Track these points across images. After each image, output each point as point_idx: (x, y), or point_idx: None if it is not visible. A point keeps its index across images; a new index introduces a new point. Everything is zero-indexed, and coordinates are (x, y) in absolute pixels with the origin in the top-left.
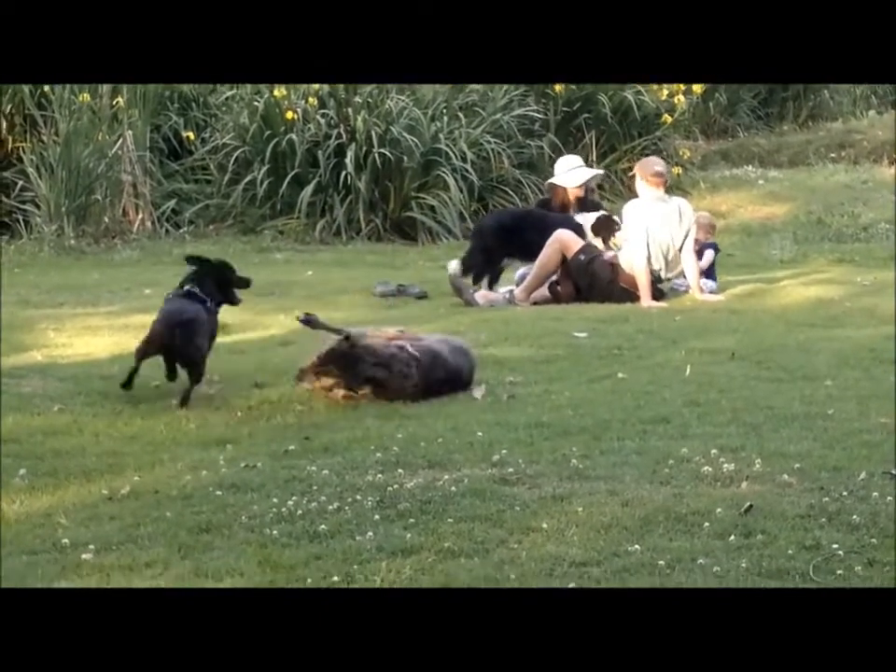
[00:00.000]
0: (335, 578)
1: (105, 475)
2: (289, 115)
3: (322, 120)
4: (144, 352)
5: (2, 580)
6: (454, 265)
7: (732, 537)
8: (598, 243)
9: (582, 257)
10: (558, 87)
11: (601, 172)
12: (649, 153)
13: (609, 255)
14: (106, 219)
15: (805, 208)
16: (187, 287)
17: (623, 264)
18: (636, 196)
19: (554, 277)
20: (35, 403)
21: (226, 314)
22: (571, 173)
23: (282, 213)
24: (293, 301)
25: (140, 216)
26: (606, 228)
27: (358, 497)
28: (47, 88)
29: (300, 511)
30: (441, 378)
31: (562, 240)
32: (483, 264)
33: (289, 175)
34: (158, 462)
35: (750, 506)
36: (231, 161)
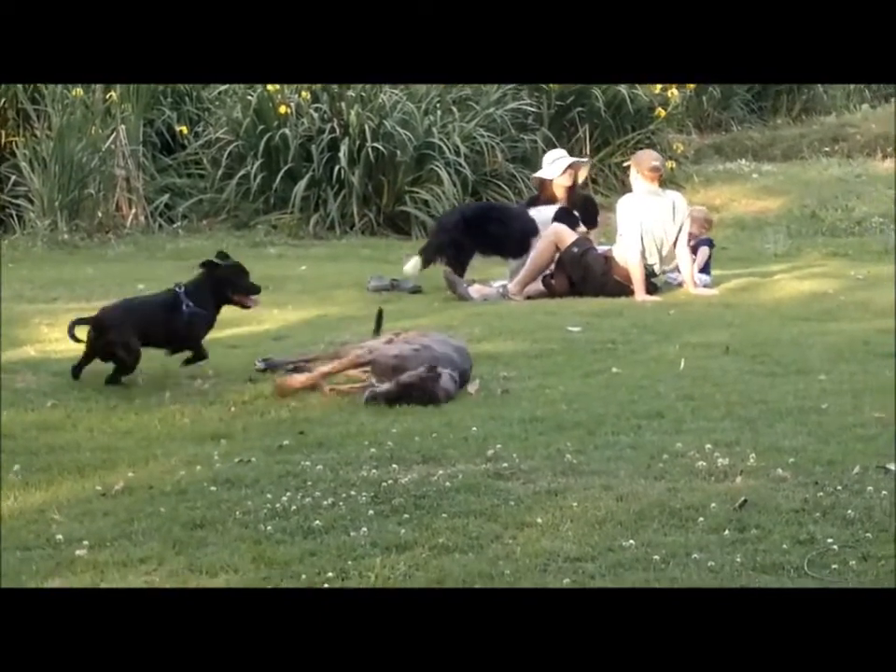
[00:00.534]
0: (329, 574)
1: (99, 470)
2: (283, 109)
3: (315, 115)
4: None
5: None
6: (413, 262)
7: (726, 531)
8: None
9: (576, 249)
10: None
11: (584, 160)
12: (642, 147)
13: (603, 248)
14: (100, 214)
15: (799, 202)
16: (175, 287)
17: (617, 258)
18: (629, 190)
19: (548, 271)
20: (29, 398)
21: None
22: (553, 164)
23: (275, 207)
24: (287, 295)
25: (133, 210)
26: (565, 221)
27: (353, 493)
28: None
29: (294, 507)
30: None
31: (556, 233)
32: (457, 257)
33: (283, 170)
34: (152, 457)
35: (745, 500)
36: (225, 156)
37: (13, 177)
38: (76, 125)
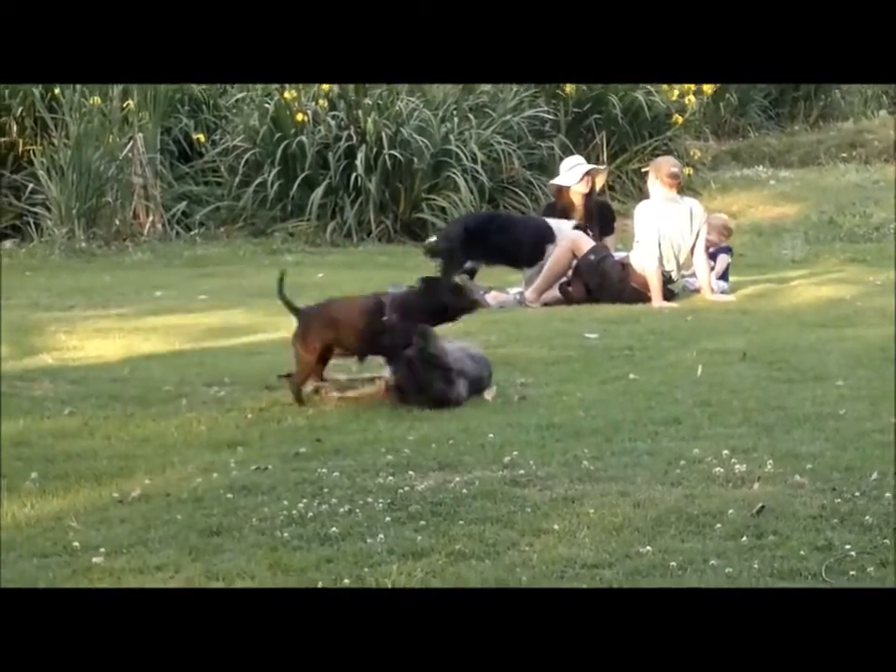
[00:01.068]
0: (346, 581)
1: (116, 478)
2: (300, 117)
3: (332, 122)
4: None
5: (12, 583)
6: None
7: (744, 538)
8: None
9: (593, 257)
10: (568, 87)
11: (601, 167)
12: (659, 153)
13: (620, 255)
14: (117, 222)
15: (817, 208)
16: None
17: (634, 265)
18: (646, 196)
19: (565, 278)
20: (46, 406)
21: (237, 316)
22: (570, 171)
23: (292, 215)
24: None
25: (151, 218)
26: None
27: (369, 500)
28: (57, 90)
29: (310, 514)
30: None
31: (573, 240)
32: (446, 267)
33: (300, 177)
34: (168, 465)
35: (762, 507)
36: (242, 164)
37: (31, 185)
38: (93, 133)
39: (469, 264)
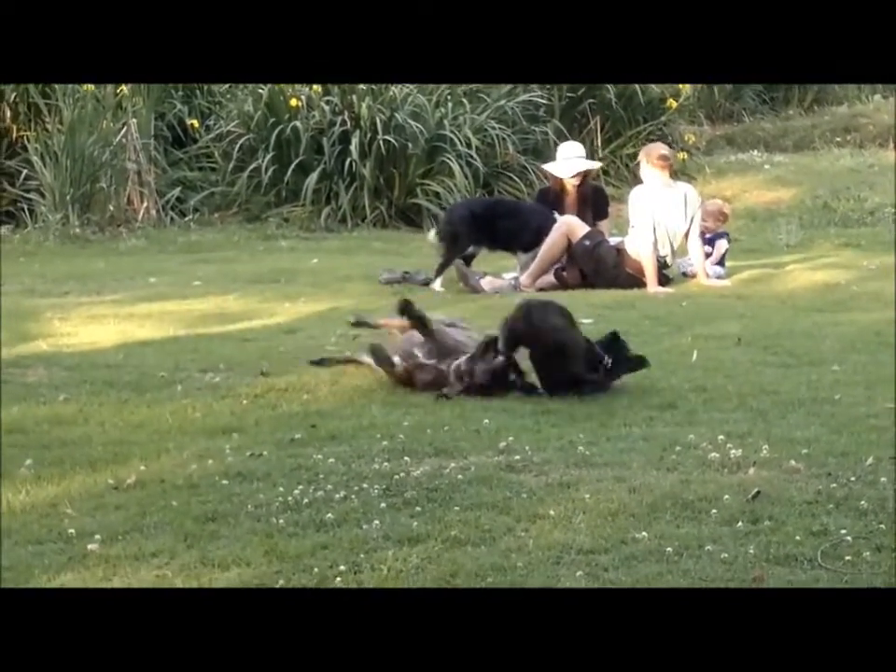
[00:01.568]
0: (342, 567)
1: (111, 464)
2: (293, 102)
3: (326, 107)
4: None
5: (8, 570)
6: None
7: (739, 523)
8: None
9: (588, 242)
10: None
11: (596, 165)
12: (654, 138)
13: (615, 240)
14: (111, 208)
15: (811, 193)
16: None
17: (629, 250)
18: (640, 182)
19: (560, 263)
20: (41, 393)
21: (232, 302)
22: (566, 162)
23: (287, 200)
24: (298, 288)
25: (145, 204)
26: None
27: (365, 486)
28: None
29: (306, 500)
30: None
31: (568, 225)
32: (448, 252)
33: (294, 163)
34: (163, 451)
35: (758, 492)
36: (236, 149)
37: (25, 171)
38: (87, 119)
39: (470, 249)
